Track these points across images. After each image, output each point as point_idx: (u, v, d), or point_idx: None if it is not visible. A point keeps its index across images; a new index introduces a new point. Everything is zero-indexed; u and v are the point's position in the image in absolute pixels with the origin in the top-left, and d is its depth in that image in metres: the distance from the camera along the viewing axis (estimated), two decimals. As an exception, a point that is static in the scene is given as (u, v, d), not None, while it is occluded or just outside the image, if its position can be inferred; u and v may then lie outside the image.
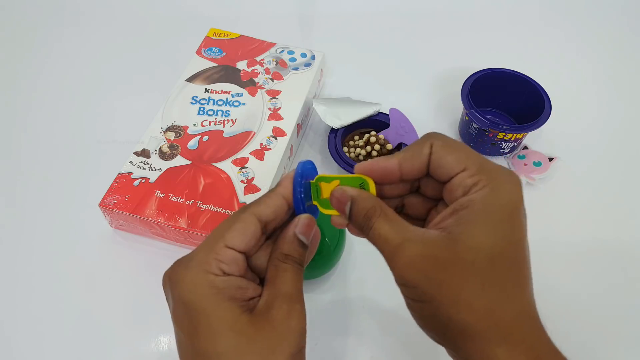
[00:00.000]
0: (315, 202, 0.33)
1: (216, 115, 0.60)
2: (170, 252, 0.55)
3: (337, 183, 0.32)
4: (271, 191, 0.32)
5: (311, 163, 0.34)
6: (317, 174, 0.33)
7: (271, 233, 0.33)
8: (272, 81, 0.64)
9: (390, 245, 0.28)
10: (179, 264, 0.30)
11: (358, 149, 0.61)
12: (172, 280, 0.29)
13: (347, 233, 0.52)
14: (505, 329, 0.26)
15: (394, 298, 0.52)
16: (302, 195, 0.31)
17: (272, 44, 0.69)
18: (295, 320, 0.29)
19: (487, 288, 0.26)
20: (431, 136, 0.31)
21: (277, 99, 0.63)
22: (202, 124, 0.59)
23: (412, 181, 0.32)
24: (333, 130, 0.61)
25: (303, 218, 0.31)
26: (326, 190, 0.32)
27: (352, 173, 0.32)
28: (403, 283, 0.28)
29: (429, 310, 0.27)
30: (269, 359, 0.27)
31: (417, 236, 0.28)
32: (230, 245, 0.29)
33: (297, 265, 0.31)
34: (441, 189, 0.31)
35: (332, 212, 0.32)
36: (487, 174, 0.28)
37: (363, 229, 0.30)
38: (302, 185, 0.32)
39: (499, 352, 0.26)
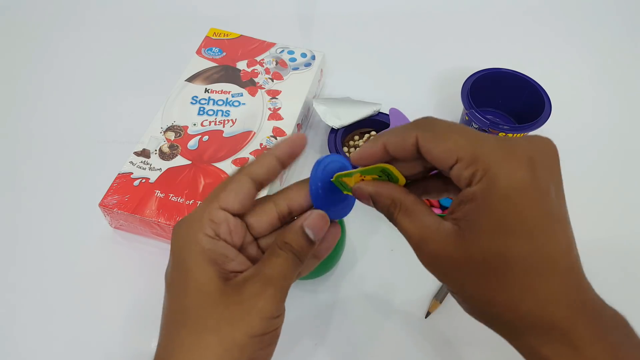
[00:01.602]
0: (347, 193, 0.32)
1: (216, 115, 0.60)
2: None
3: (358, 176, 0.31)
4: (266, 151, 0.32)
5: (336, 157, 0.32)
6: (345, 166, 0.33)
7: (289, 220, 0.33)
8: (272, 81, 0.64)
9: (412, 240, 0.29)
10: (180, 220, 0.31)
11: (358, 149, 0.61)
12: (172, 233, 0.31)
13: (347, 234, 0.52)
14: (536, 320, 0.27)
15: (394, 297, 0.52)
16: (320, 191, 0.31)
17: (272, 44, 0.69)
18: (263, 301, 0.28)
19: (505, 284, 0.27)
20: (417, 126, 0.29)
21: (277, 99, 0.63)
22: (202, 124, 0.59)
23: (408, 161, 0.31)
24: (333, 130, 0.61)
25: (315, 213, 0.31)
26: (352, 183, 0.32)
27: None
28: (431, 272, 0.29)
29: (461, 297, 0.29)
30: (226, 330, 0.27)
31: (433, 232, 0.28)
32: (224, 205, 0.30)
33: (291, 255, 0.30)
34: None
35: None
36: (481, 162, 0.26)
37: (390, 220, 0.31)
38: (322, 179, 0.31)
39: (539, 346, 0.26)
